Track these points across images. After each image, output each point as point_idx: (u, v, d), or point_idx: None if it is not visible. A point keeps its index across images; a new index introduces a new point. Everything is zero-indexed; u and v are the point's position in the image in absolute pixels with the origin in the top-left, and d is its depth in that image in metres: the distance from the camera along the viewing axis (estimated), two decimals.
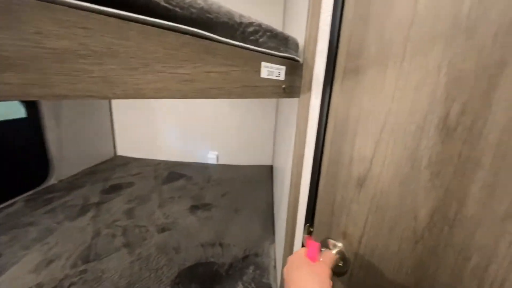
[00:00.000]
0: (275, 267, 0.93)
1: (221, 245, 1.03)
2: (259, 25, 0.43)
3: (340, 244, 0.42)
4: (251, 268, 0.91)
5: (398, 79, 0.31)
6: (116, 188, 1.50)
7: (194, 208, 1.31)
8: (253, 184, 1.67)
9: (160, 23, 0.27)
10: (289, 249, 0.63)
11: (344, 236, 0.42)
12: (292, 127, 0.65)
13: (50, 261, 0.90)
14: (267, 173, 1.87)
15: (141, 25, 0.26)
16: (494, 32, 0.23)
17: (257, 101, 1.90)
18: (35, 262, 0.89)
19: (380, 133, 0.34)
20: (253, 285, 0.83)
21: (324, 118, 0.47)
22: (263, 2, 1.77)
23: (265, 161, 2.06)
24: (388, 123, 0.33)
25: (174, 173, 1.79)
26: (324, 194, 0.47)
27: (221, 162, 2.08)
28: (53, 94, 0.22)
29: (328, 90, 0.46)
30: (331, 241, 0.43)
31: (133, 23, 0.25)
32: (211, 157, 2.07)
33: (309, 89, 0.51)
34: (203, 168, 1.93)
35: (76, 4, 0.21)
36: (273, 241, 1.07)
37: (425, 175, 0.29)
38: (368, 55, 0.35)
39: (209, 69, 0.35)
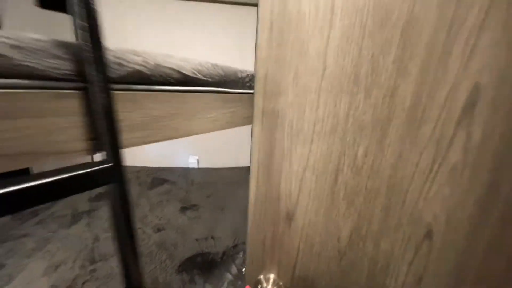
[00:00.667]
0: None
1: (213, 238, 1.20)
2: (251, 74, 0.63)
3: (272, 275, 0.46)
4: (241, 253, 1.10)
5: (316, 123, 0.37)
6: (103, 196, 1.56)
7: (183, 209, 1.45)
8: (234, 185, 1.85)
9: (201, 89, 0.45)
10: None
11: (278, 268, 0.46)
12: None
13: (57, 266, 0.98)
14: (245, 174, 2.07)
15: (192, 93, 0.44)
16: (383, 95, 0.43)
17: None
18: (42, 268, 0.97)
19: (303, 171, 0.39)
20: (244, 265, 1.03)
21: None
22: (239, 51, 1.97)
23: (243, 163, 2.25)
24: (310, 162, 0.38)
25: (157, 178, 1.89)
26: (254, 234, 0.47)
27: (202, 166, 2.22)
28: (153, 140, 0.38)
29: None
30: (263, 277, 0.46)
31: (187, 93, 0.43)
32: (191, 162, 2.20)
33: None
34: (185, 172, 2.06)
35: (163, 89, 0.39)
36: None
37: (343, 204, 0.38)
38: (286, 99, 0.37)
39: (225, 111, 0.53)
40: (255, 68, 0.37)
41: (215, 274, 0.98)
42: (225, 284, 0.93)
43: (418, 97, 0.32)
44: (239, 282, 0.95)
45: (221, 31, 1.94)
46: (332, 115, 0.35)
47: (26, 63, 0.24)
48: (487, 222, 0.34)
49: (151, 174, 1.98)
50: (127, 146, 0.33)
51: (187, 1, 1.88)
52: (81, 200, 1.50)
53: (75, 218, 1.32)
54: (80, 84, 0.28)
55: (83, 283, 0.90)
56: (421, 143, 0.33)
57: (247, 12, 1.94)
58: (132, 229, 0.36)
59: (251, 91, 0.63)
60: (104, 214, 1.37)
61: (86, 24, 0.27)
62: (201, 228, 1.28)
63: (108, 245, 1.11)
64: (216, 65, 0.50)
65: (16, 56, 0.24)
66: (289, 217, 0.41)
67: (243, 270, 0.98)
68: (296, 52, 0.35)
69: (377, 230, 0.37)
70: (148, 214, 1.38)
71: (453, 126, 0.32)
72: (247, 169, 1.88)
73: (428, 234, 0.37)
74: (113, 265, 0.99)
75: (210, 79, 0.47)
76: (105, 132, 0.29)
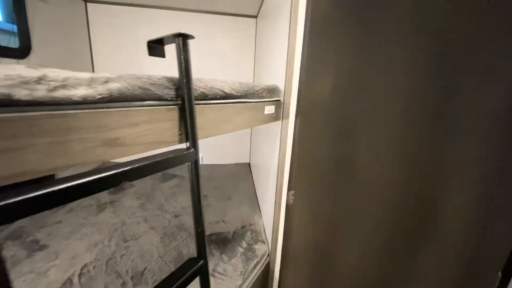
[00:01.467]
0: (264, 231, 1.35)
1: (224, 221, 1.41)
2: (263, 87, 0.84)
3: None
4: (249, 233, 1.31)
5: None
6: (119, 189, 1.74)
7: None
8: (237, 179, 2.06)
9: (233, 101, 0.66)
10: (278, 209, 1.05)
11: None
12: (275, 137, 1.07)
13: (95, 244, 1.16)
14: (245, 169, 2.28)
15: (229, 104, 0.65)
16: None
17: None
18: (82, 246, 1.15)
19: None
20: (252, 241, 1.24)
21: (296, 133, 0.91)
22: (238, 58, 2.18)
23: (242, 159, 2.46)
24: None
25: (166, 174, 2.07)
26: None
27: (206, 162, 2.42)
28: (209, 135, 0.59)
29: (296, 119, 0.90)
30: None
31: (227, 104, 0.64)
32: None
33: (287, 117, 0.94)
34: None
35: (214, 102, 0.60)
36: (260, 216, 1.49)
37: None
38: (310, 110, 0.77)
39: (247, 115, 0.74)
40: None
41: (228, 247, 1.19)
42: (238, 254, 1.14)
43: None
44: (249, 253, 1.16)
45: (222, 40, 2.14)
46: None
47: (156, 92, 0.45)
48: None
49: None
50: (200, 138, 0.54)
51: (191, 12, 2.07)
52: (102, 193, 1.67)
53: (100, 207, 1.50)
54: (178, 102, 0.49)
55: (121, 256, 1.09)
56: None
57: (245, 23, 2.15)
58: (200, 193, 0.57)
59: (263, 100, 0.85)
60: (125, 203, 1.55)
61: (184, 67, 0.47)
62: (212, 214, 1.48)
63: (134, 228, 1.30)
64: (241, 83, 0.71)
65: (152, 88, 0.44)
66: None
67: (252, 245, 1.20)
68: (315, 80, 0.60)
69: None
70: (164, 203, 1.57)
71: None
72: (246, 165, 2.11)
73: None
74: (142, 243, 1.18)
75: (239, 94, 0.68)
76: (189, 130, 0.50)
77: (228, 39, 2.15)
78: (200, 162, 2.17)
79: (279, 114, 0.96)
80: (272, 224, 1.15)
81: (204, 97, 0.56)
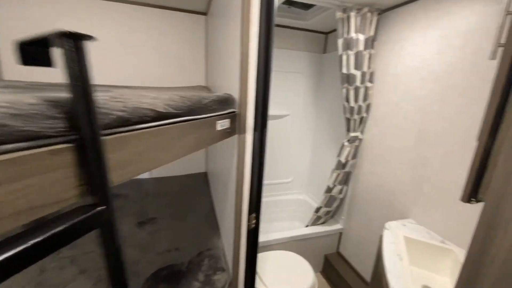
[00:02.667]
0: (224, 254, 1.21)
1: (177, 249, 1.21)
2: (213, 99, 0.69)
3: None
4: (206, 260, 1.15)
5: None
6: None
7: (141, 224, 1.40)
8: (192, 192, 1.86)
9: (172, 121, 0.50)
10: (238, 234, 0.92)
11: None
12: (232, 152, 0.94)
13: None
14: (202, 180, 2.09)
15: (166, 126, 0.49)
16: None
17: None
18: None
19: None
20: (210, 271, 1.08)
21: (256, 149, 0.79)
22: (186, 61, 1.95)
23: (198, 168, 2.26)
24: None
25: None
26: None
27: (154, 175, 2.14)
28: (138, 172, 0.42)
29: (256, 132, 0.78)
30: None
31: (162, 127, 0.48)
32: None
33: (245, 131, 0.81)
34: (136, 184, 1.95)
35: (142, 127, 0.43)
36: (219, 236, 1.34)
37: None
38: None
39: (193, 135, 0.59)
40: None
41: (182, 284, 1.01)
42: None
43: None
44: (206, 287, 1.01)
45: (170, 38, 1.90)
46: None
47: (26, 128, 0.27)
48: None
49: None
50: (118, 182, 0.37)
51: (134, 5, 1.78)
52: None
53: None
54: (73, 137, 0.31)
55: None
56: None
57: (194, 20, 1.95)
58: (122, 263, 0.40)
59: (215, 114, 0.70)
60: None
61: (79, 83, 0.30)
62: (163, 241, 1.27)
63: (57, 274, 1.02)
64: (184, 97, 0.55)
65: (17, 123, 0.26)
66: None
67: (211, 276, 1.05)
68: None
69: None
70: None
71: None
72: (202, 175, 1.92)
73: None
74: None
75: (179, 111, 0.53)
76: (96, 177, 0.33)
77: (174, 38, 1.92)
78: (147, 176, 1.89)
79: (234, 128, 0.83)
80: (232, 248, 1.02)
81: (124, 122, 0.39)
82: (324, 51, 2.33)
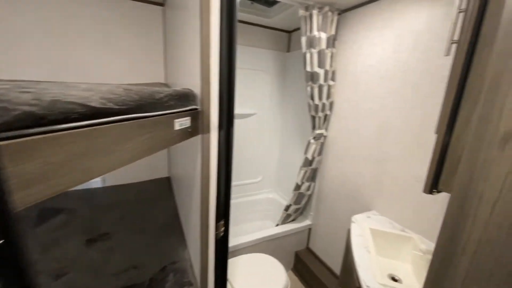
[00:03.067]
0: (191, 266, 1.10)
1: (135, 267, 1.07)
2: (169, 94, 0.60)
3: None
4: (171, 274, 1.04)
5: None
6: None
7: (90, 242, 1.21)
8: (152, 199, 1.69)
9: (113, 119, 0.40)
10: (205, 244, 0.83)
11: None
12: (195, 155, 0.84)
13: None
14: (164, 185, 1.93)
15: (104, 125, 0.38)
16: None
17: None
18: None
19: None
20: (176, 286, 0.97)
21: (222, 149, 0.71)
22: (142, 55, 1.76)
23: (160, 173, 2.08)
24: None
25: (47, 209, 1.48)
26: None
27: (109, 183, 1.90)
28: (60, 189, 0.31)
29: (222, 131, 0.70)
30: None
31: (98, 126, 0.37)
32: (94, 180, 1.84)
33: (208, 130, 0.73)
34: (87, 195, 1.70)
35: (65, 127, 0.32)
36: (186, 246, 1.23)
37: None
38: None
39: (143, 137, 0.49)
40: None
41: None
42: None
43: None
44: None
45: (120, 30, 1.70)
46: None
47: None
48: None
49: (37, 204, 1.53)
50: (25, 205, 0.26)
51: None
52: None
53: None
54: None
55: None
56: None
57: (152, 11, 1.78)
58: None
59: (172, 111, 0.61)
60: None
61: None
62: (118, 259, 1.11)
63: None
64: (130, 89, 0.45)
65: None
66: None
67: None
68: None
69: None
70: (40, 259, 1.07)
71: None
72: (164, 180, 1.75)
73: None
74: None
75: (124, 106, 0.43)
76: None
77: (126, 30, 1.72)
78: (99, 185, 1.66)
79: (197, 127, 0.74)
80: (200, 260, 0.93)
81: (36, 120, 0.28)
82: (288, 49, 2.34)
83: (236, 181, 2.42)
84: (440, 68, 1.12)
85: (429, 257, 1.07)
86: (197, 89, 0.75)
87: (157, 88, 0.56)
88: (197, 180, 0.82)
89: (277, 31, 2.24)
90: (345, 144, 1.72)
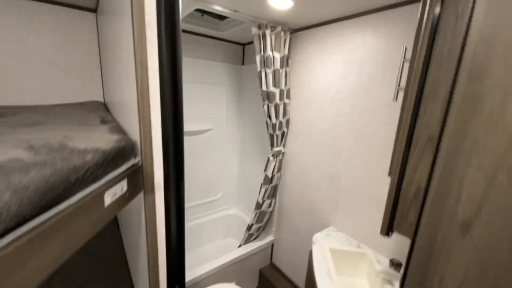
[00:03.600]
0: None
1: None
2: (95, 163, 0.47)
3: None
4: None
5: None
6: None
7: None
8: (95, 247, 1.44)
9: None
10: None
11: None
12: (139, 215, 0.71)
13: None
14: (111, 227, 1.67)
15: None
16: None
17: None
18: None
19: None
20: None
21: (173, 212, 0.61)
22: (77, 71, 1.47)
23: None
24: None
25: None
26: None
27: None
28: None
29: (170, 190, 0.60)
30: None
31: None
32: None
33: (153, 190, 0.61)
34: None
35: None
36: None
37: None
38: None
39: (52, 243, 0.36)
40: None
41: None
42: None
43: None
44: None
45: (46, 39, 1.40)
46: None
47: None
48: None
49: None
50: None
51: None
52: None
53: None
54: None
55: None
56: None
57: (82, 18, 1.51)
58: None
59: (97, 185, 0.48)
60: None
61: None
62: None
63: None
64: (26, 187, 0.32)
65: None
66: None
67: None
68: None
69: None
70: None
71: None
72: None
73: None
74: None
75: (14, 222, 0.30)
76: None
77: (53, 39, 1.43)
78: None
79: (137, 186, 0.61)
80: None
81: None
82: (243, 62, 2.29)
83: (194, 201, 2.27)
84: (385, 96, 1.20)
85: (384, 276, 1.14)
86: (135, 133, 0.63)
87: (75, 160, 0.42)
88: (142, 246, 0.69)
89: (231, 44, 2.16)
90: (302, 160, 1.75)
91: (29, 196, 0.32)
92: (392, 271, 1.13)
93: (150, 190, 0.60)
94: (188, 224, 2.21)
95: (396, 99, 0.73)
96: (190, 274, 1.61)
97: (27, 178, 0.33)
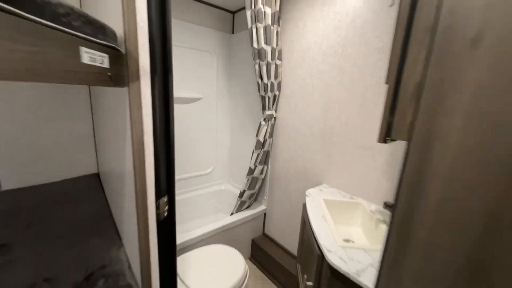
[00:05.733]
0: (130, 267, 0.89)
1: (47, 280, 0.80)
2: (71, 8, 0.42)
3: None
4: (101, 281, 0.81)
5: None
6: None
7: None
8: (75, 200, 1.36)
9: None
10: (144, 230, 0.66)
11: None
12: (124, 117, 0.66)
13: None
14: (91, 184, 1.58)
15: None
16: None
17: (60, 99, 1.49)
18: None
19: None
20: None
21: (160, 102, 0.56)
22: None
23: (86, 169, 1.70)
24: None
25: None
26: None
27: (9, 186, 1.44)
28: None
29: (156, 77, 0.55)
30: None
31: None
32: None
33: (138, 78, 0.56)
34: None
35: None
36: (121, 244, 1.00)
37: None
38: None
39: (15, 47, 0.31)
40: None
41: None
42: None
43: None
44: None
45: None
46: None
47: None
48: None
49: None
50: None
51: None
52: None
53: None
54: None
55: None
56: None
57: None
58: None
59: (76, 32, 0.43)
60: None
61: None
62: (21, 273, 0.81)
63: None
64: None
65: None
66: None
67: None
68: None
69: None
70: None
71: None
72: (93, 177, 1.43)
73: None
74: None
75: None
76: None
77: None
78: None
79: (121, 75, 0.56)
80: (138, 251, 0.74)
81: None
82: (233, 31, 2.24)
83: (183, 174, 2.20)
84: (378, 39, 1.19)
85: (378, 216, 1.13)
86: (118, 27, 0.57)
87: None
88: (128, 146, 0.63)
89: (221, 10, 2.11)
90: (294, 124, 1.73)
91: None
92: (386, 211, 1.13)
93: (134, 78, 0.55)
94: (177, 198, 2.14)
95: (393, 3, 0.71)
96: (180, 238, 1.55)
97: None
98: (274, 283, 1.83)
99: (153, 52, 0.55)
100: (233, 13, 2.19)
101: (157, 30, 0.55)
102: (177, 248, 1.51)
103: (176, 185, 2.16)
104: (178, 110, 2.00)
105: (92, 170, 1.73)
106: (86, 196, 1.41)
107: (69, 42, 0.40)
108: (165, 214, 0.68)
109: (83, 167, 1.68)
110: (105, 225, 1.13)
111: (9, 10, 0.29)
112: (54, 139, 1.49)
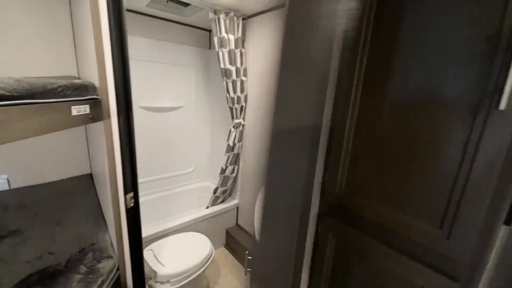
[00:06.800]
0: (111, 244, 1.21)
1: (50, 253, 1.12)
2: (64, 85, 0.72)
3: None
4: (90, 254, 1.13)
5: None
6: None
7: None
8: (72, 196, 1.67)
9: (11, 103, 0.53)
10: (118, 215, 0.97)
11: None
12: (102, 139, 0.96)
13: None
14: (85, 182, 1.89)
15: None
16: None
17: None
18: None
19: None
20: (94, 261, 1.08)
21: (124, 131, 0.87)
22: (51, 46, 1.65)
23: (80, 170, 2.01)
24: None
25: None
26: None
27: (17, 185, 1.75)
28: None
29: (121, 116, 0.86)
30: None
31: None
32: None
33: (109, 116, 0.87)
34: None
35: None
36: (106, 229, 1.32)
37: None
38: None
39: (37, 119, 0.62)
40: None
41: (60, 281, 0.97)
42: (74, 283, 0.96)
43: None
44: (90, 276, 1.01)
45: (21, 17, 1.58)
46: None
47: None
48: None
49: None
50: None
51: None
52: None
53: None
54: None
55: None
56: None
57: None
58: None
59: (66, 99, 0.73)
60: None
61: None
62: (30, 249, 1.13)
63: None
64: (21, 80, 0.57)
65: None
66: None
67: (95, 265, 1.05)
68: None
69: None
70: None
71: None
72: (84, 178, 1.75)
73: None
74: None
75: (15, 94, 0.55)
76: None
77: (29, 17, 1.61)
78: (5, 188, 1.57)
79: (99, 114, 0.87)
80: (114, 230, 1.06)
81: None
82: (210, 47, 2.53)
83: (167, 173, 2.51)
84: None
85: None
86: (96, 81, 0.88)
87: (52, 80, 0.67)
88: (105, 160, 0.94)
89: (198, 29, 2.40)
90: (259, 130, 2.04)
91: (23, 85, 0.58)
92: None
93: (106, 116, 0.86)
94: (161, 194, 2.47)
95: None
96: (162, 227, 1.87)
97: (25, 84, 0.58)
98: (243, 266, 2.16)
99: (118, 100, 0.85)
100: (210, 31, 2.48)
101: (120, 85, 0.85)
102: (158, 235, 1.84)
103: (161, 182, 2.48)
104: (162, 117, 2.31)
105: (86, 171, 2.04)
106: (81, 192, 1.73)
107: (65, 107, 0.71)
108: (132, 204, 0.99)
109: (78, 168, 1.99)
110: (95, 214, 1.44)
111: (32, 102, 0.59)
112: (55, 146, 1.80)
